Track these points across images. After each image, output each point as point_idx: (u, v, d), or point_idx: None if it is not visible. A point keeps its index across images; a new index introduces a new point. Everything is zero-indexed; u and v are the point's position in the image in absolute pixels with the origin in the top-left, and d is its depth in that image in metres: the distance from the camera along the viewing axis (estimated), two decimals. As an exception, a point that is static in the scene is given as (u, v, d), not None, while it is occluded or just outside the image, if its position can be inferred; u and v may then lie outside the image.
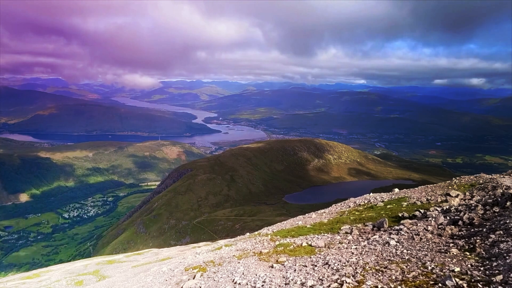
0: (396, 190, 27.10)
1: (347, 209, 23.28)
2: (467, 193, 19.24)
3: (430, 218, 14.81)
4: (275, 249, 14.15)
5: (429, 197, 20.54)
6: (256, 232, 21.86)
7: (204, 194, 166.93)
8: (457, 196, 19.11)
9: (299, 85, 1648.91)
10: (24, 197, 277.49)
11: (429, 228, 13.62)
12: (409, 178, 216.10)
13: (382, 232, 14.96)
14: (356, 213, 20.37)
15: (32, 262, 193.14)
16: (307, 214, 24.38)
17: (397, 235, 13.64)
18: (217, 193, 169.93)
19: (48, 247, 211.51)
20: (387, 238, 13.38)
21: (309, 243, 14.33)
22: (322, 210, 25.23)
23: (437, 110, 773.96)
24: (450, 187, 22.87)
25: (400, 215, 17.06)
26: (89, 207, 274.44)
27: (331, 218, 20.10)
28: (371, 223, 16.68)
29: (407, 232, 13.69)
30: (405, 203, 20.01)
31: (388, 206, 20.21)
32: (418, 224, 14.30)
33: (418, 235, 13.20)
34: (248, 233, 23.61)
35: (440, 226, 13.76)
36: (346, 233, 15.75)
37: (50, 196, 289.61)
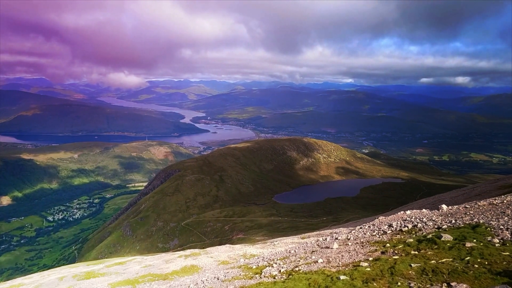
0: (444, 207, 20.00)
1: (383, 236, 16.60)
2: None
3: None
4: None
5: None
6: (254, 266, 16.21)
7: (192, 195, 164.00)
8: None
9: (287, 84, 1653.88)
10: (6, 200, 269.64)
11: None
12: (397, 176, 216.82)
13: None
14: (412, 251, 13.09)
15: (15, 267, 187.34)
16: (321, 239, 17.46)
17: None
18: (205, 193, 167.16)
19: (32, 251, 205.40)
20: None
21: None
22: (344, 236, 18.51)
23: (423, 108, 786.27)
24: None
25: None
26: (75, 210, 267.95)
27: (370, 258, 13.21)
28: None
29: None
30: (496, 241, 12.75)
31: (469, 245, 12.46)
32: None
33: None
34: (242, 259, 19.05)
35: None
36: None
37: (33, 198, 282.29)
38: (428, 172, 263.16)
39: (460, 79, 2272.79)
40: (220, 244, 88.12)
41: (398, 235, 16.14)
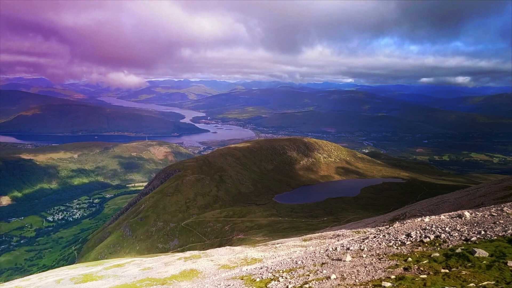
0: (468, 215, 17.88)
1: (402, 248, 14.64)
2: None
3: None
4: None
5: None
6: (258, 279, 14.48)
7: (192, 195, 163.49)
8: None
9: (287, 84, 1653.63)
10: (5, 200, 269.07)
11: None
12: (398, 176, 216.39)
13: None
14: (441, 269, 11.19)
15: (15, 268, 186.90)
16: (331, 249, 15.51)
17: None
18: (205, 194, 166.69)
19: (32, 252, 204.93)
20: None
21: None
22: (357, 246, 16.47)
23: (423, 108, 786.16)
24: None
25: None
26: (74, 210, 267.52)
27: (392, 276, 11.44)
28: None
29: None
30: None
31: (511, 264, 10.36)
32: None
33: None
34: (244, 267, 17.52)
35: None
36: None
37: (33, 198, 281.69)
38: (429, 172, 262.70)
39: (460, 79, 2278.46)
40: (220, 245, 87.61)
41: (419, 247, 14.24)
